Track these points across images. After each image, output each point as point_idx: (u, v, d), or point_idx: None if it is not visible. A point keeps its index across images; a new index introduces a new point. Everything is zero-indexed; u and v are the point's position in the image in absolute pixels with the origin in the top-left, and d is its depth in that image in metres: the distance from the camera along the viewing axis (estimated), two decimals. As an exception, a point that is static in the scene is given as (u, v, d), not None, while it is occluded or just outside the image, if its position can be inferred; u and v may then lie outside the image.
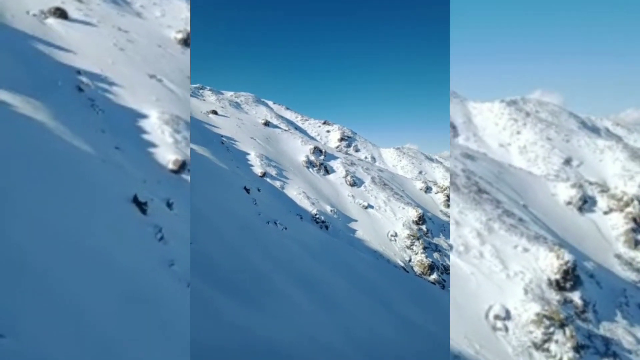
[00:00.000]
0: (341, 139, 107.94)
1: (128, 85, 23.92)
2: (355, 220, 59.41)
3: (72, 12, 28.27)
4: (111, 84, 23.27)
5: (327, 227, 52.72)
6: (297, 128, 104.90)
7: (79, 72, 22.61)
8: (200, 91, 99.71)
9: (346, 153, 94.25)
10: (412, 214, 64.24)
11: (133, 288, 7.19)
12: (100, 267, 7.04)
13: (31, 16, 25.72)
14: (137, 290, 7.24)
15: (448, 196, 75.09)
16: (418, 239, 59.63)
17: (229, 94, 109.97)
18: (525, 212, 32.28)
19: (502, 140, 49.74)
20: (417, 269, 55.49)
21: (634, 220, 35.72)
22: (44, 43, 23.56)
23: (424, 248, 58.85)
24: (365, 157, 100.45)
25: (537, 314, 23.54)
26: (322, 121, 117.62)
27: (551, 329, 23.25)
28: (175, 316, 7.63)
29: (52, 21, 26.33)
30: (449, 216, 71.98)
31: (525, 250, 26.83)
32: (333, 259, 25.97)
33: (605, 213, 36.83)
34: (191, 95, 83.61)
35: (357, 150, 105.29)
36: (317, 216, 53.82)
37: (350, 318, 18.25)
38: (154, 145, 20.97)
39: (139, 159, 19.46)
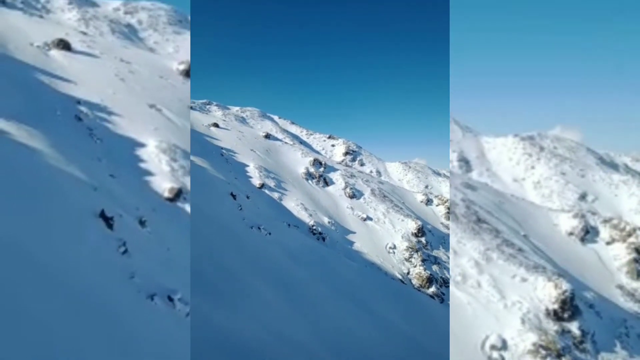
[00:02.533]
0: (346, 153, 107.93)
1: (127, 114, 24.32)
2: (354, 232, 59.26)
3: (76, 44, 28.86)
4: (110, 113, 23.67)
5: (324, 239, 52.52)
6: (302, 142, 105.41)
7: (78, 102, 23.05)
8: (207, 106, 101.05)
9: (346, 165, 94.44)
10: (412, 226, 63.89)
11: (84, 296, 7.36)
12: (53, 276, 7.22)
13: (35, 47, 26.30)
14: (89, 298, 7.41)
15: (449, 208, 74.91)
16: (417, 251, 59.25)
17: (235, 109, 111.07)
18: (526, 242, 32.21)
19: (516, 175, 49.54)
20: (415, 282, 55.01)
21: (637, 250, 35.52)
22: (46, 74, 24.06)
23: (423, 260, 58.36)
24: (371, 171, 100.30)
25: (534, 344, 23.38)
26: (327, 135, 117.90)
27: (548, 359, 23.08)
28: (130, 325, 7.77)
29: (55, 52, 26.89)
30: (448, 228, 71.95)
31: (524, 280, 26.73)
32: (317, 264, 26.19)
33: (608, 243, 36.66)
34: (198, 110, 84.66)
35: (362, 165, 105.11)
36: (314, 227, 53.63)
37: (328, 320, 18.42)
38: (150, 173, 21.26)
39: (134, 187, 19.73)
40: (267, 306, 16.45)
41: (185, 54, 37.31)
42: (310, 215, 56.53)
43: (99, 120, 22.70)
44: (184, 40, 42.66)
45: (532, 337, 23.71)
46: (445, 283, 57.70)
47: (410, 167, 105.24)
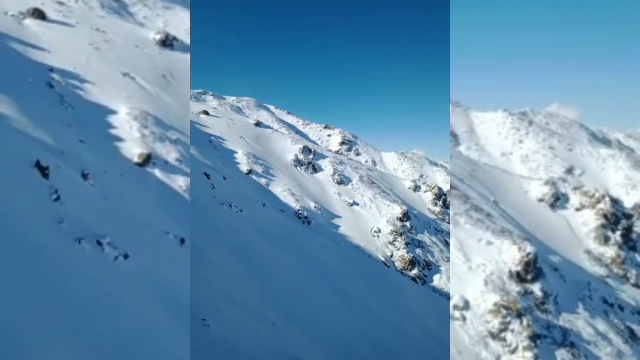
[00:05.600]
0: (342, 143, 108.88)
1: (100, 82, 24.69)
2: (340, 217, 60.39)
3: (51, 13, 29.09)
4: (82, 81, 24.05)
5: (309, 223, 53.55)
6: (298, 132, 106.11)
7: (51, 69, 23.40)
8: (203, 96, 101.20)
9: (338, 153, 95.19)
10: (397, 210, 65.14)
11: (8, 236, 7.96)
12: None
13: (9, 17, 26.54)
14: (13, 238, 7.99)
15: (436, 195, 76.23)
16: (401, 234, 60.58)
17: (231, 99, 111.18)
18: (495, 207, 32.98)
19: (504, 149, 49.66)
20: (398, 264, 56.44)
21: (605, 216, 36.38)
22: (19, 42, 24.35)
23: (406, 244, 59.78)
24: (366, 161, 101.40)
25: (495, 304, 24.22)
26: (324, 125, 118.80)
27: (508, 319, 23.92)
28: (53, 265, 8.39)
29: (29, 22, 27.14)
30: (435, 213, 73.30)
31: (489, 243, 27.50)
32: (285, 240, 27.09)
33: (577, 210, 37.46)
34: (192, 100, 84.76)
35: (358, 154, 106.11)
36: (300, 212, 54.71)
37: (285, 288, 19.35)
38: (120, 139, 21.73)
39: (104, 152, 20.21)
40: (223, 272, 17.23)
41: (173, 29, 37.32)
42: (297, 200, 57.44)
43: (70, 87, 23.08)
44: (174, 15, 42.50)
45: (494, 298, 24.53)
46: (428, 266, 59.08)
47: (406, 157, 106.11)
